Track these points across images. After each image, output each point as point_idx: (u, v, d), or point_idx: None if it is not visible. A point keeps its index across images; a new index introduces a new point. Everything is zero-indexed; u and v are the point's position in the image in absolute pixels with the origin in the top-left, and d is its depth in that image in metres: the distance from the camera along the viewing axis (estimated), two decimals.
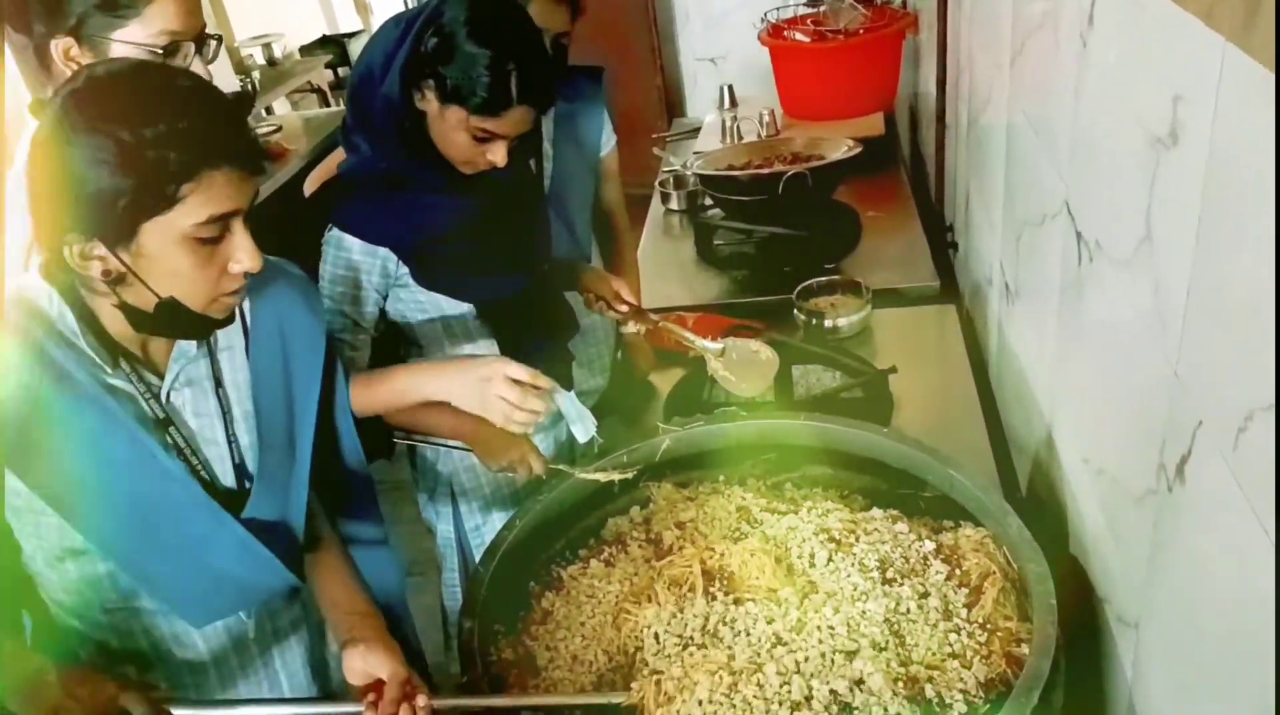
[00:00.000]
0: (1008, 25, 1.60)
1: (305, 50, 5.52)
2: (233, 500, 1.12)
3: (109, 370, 1.03)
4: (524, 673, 1.20)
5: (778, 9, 3.15)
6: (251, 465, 1.15)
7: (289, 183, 3.34)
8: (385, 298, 1.56)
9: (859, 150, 2.35)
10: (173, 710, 1.01)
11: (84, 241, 0.95)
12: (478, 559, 1.75)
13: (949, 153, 2.47)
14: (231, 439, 1.14)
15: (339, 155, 1.78)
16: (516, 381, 1.29)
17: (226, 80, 4.49)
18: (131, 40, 1.29)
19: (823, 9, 3.04)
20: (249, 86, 4.35)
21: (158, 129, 0.92)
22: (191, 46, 1.35)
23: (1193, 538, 0.85)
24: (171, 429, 1.08)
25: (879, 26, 2.89)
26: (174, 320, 1.01)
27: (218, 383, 1.13)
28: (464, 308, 1.57)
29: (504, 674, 1.20)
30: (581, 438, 1.72)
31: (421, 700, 1.09)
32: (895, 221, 2.48)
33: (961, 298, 2.27)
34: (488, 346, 1.62)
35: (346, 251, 1.48)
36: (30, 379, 0.97)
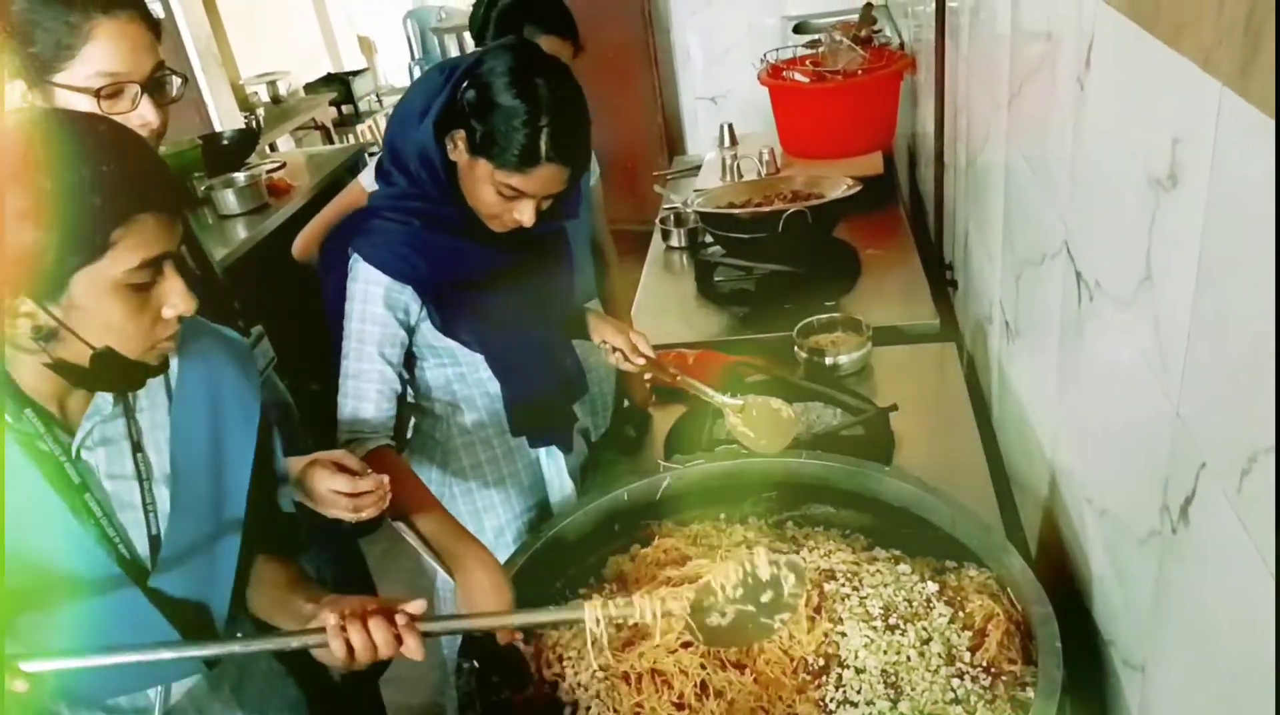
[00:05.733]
0: (1005, 67, 1.62)
1: (310, 88, 5.61)
2: (145, 573, 1.06)
3: (18, 424, 0.97)
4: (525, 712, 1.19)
5: (777, 50, 3.20)
6: (164, 533, 1.08)
7: (292, 218, 3.36)
8: (412, 334, 1.51)
9: (858, 188, 2.37)
10: (21, 665, 0.91)
11: (11, 298, 0.90)
12: None
13: (948, 192, 2.48)
14: (149, 506, 1.07)
15: (326, 218, 1.76)
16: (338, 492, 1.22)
17: (231, 117, 4.54)
18: (68, 84, 1.26)
19: (821, 50, 3.08)
20: (253, 123, 4.40)
21: (81, 175, 0.88)
22: (137, 89, 1.30)
23: (1198, 580, 0.85)
24: (86, 495, 1.02)
25: (877, 67, 2.92)
26: (111, 371, 0.97)
27: (136, 446, 1.07)
28: (476, 357, 1.55)
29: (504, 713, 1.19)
30: (555, 500, 1.69)
31: (415, 606, 1.03)
32: (894, 259, 2.49)
33: (962, 336, 2.27)
34: (494, 398, 1.61)
35: (375, 285, 1.44)
36: None
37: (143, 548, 1.07)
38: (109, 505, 1.05)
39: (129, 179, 0.92)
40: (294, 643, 1.02)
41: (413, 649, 1.02)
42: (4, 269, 0.88)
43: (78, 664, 0.95)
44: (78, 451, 1.03)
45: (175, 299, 0.98)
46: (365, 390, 1.46)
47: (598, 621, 1.04)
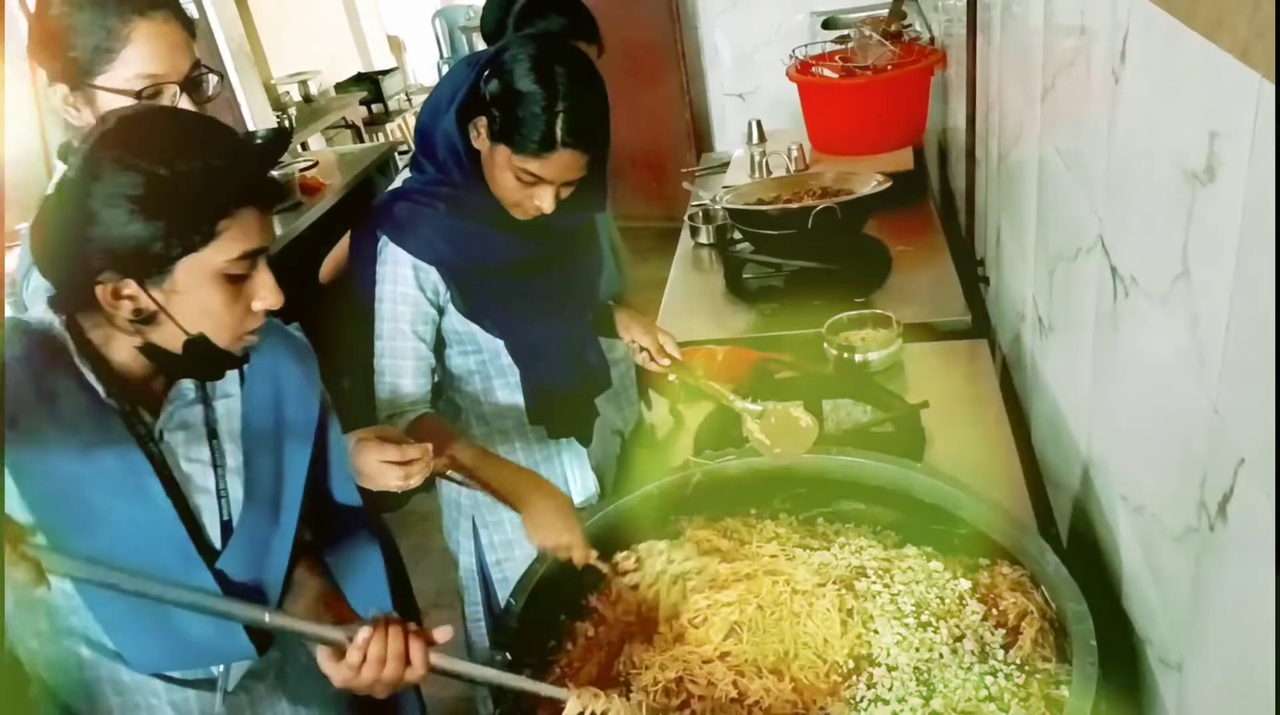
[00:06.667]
0: (1038, 61, 1.60)
1: (340, 87, 5.66)
2: (212, 556, 1.09)
3: (109, 401, 1.02)
4: (555, 706, 1.20)
5: (806, 46, 3.18)
6: (236, 520, 1.13)
7: (324, 217, 3.40)
8: (441, 318, 1.54)
9: (888, 185, 2.35)
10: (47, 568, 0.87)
11: (117, 280, 0.95)
12: (500, 593, 1.75)
13: (979, 187, 2.46)
14: (222, 493, 1.12)
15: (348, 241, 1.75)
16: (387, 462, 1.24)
17: (264, 116, 4.60)
18: (109, 86, 1.28)
19: (851, 45, 3.07)
20: (286, 122, 4.45)
21: (193, 165, 0.94)
22: (176, 89, 1.31)
23: (1236, 578, 0.84)
24: (167, 474, 1.06)
25: (907, 62, 2.90)
26: (200, 358, 1.02)
27: (212, 433, 1.12)
28: (498, 344, 1.57)
29: (535, 707, 1.20)
30: (577, 499, 1.71)
31: (441, 633, 1.04)
32: (925, 255, 2.48)
33: (994, 332, 2.26)
34: (516, 390, 1.62)
35: (403, 266, 1.47)
36: (39, 388, 0.97)
37: (213, 532, 1.11)
38: (187, 487, 1.09)
39: (237, 174, 0.97)
40: (325, 632, 1.03)
41: (417, 659, 1.03)
42: (112, 250, 0.93)
43: (102, 577, 0.92)
44: (160, 433, 1.07)
45: (265, 292, 1.03)
46: (402, 367, 1.48)
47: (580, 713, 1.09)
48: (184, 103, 1.33)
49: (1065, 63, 1.41)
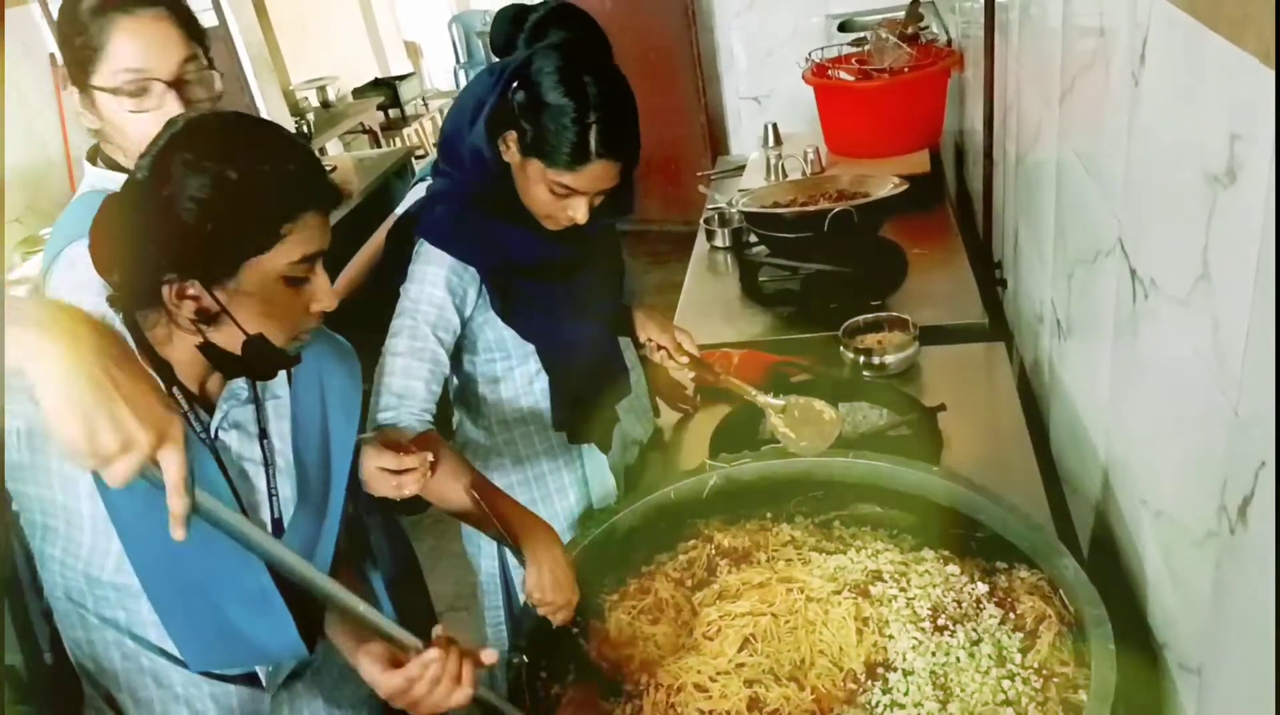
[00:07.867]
0: (1057, 63, 1.60)
1: (358, 93, 5.69)
2: None
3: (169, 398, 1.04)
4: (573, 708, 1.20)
5: (822, 48, 3.18)
6: (287, 519, 1.14)
7: (342, 221, 3.42)
8: (464, 326, 1.51)
9: (905, 187, 2.34)
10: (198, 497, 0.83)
11: (182, 280, 0.97)
12: (521, 595, 1.76)
13: (996, 189, 2.45)
14: (273, 492, 1.13)
15: (366, 254, 1.72)
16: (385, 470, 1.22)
17: (282, 121, 4.63)
18: (100, 85, 1.26)
19: (867, 48, 3.06)
20: (304, 128, 4.48)
21: (262, 169, 0.96)
22: (160, 86, 1.27)
23: (1257, 582, 0.83)
24: (224, 471, 1.08)
25: (924, 65, 2.90)
26: (258, 358, 1.03)
27: (263, 433, 1.13)
28: (526, 349, 1.57)
29: (552, 709, 1.20)
30: (597, 500, 1.71)
31: (487, 655, 1.03)
32: (942, 258, 2.47)
33: (1011, 335, 2.25)
34: (538, 396, 1.62)
35: (438, 267, 1.44)
36: None
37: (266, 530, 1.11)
38: (242, 485, 1.11)
39: (302, 179, 0.99)
40: (399, 634, 1.00)
41: (467, 679, 1.02)
42: (179, 250, 0.95)
43: (244, 533, 0.87)
44: (215, 431, 1.09)
45: (322, 295, 1.05)
46: (416, 368, 1.42)
47: None
48: (172, 101, 1.28)
49: (1084, 65, 1.40)
